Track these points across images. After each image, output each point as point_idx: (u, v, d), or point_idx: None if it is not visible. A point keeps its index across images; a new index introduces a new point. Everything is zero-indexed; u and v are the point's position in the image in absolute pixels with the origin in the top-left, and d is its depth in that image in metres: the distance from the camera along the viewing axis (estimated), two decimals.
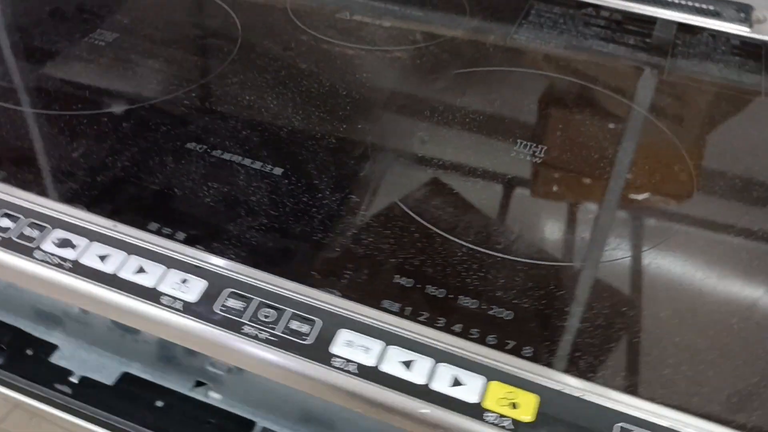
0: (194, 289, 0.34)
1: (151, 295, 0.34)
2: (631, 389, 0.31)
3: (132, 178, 0.41)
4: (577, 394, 0.31)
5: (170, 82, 0.50)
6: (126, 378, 0.40)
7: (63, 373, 0.39)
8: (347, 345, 0.32)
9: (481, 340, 0.33)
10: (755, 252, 0.40)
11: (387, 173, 0.44)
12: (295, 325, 0.33)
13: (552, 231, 0.41)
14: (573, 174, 0.45)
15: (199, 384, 0.39)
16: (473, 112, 0.49)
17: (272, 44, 0.55)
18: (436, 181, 0.43)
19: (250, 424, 0.38)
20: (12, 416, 0.41)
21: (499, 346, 0.33)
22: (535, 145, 0.46)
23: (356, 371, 0.31)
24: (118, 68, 0.51)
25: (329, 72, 0.52)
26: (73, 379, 0.39)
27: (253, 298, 0.34)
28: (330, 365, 0.32)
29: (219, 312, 0.33)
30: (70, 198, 0.39)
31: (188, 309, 0.34)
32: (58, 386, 0.39)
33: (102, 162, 0.42)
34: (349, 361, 0.32)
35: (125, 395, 0.39)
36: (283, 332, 0.33)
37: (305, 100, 0.49)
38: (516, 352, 0.33)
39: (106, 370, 0.40)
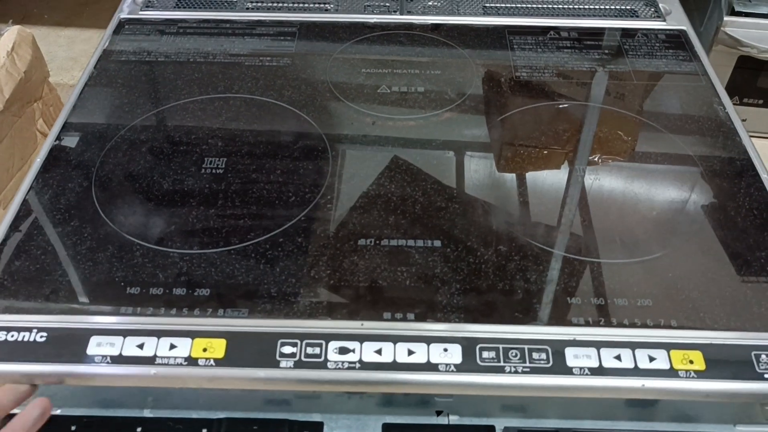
0: (455, 353, 0.48)
1: (429, 367, 0.48)
2: None
3: (342, 283, 0.53)
4: None
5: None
6: (387, 427, 0.53)
7: None
8: (575, 357, 0.48)
9: None
10: None
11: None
12: (535, 355, 0.48)
13: None
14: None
15: (438, 413, 0.54)
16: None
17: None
18: None
19: (491, 427, 0.53)
20: None
21: None
22: None
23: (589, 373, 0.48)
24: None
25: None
26: None
27: (498, 347, 0.49)
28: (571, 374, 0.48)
29: (481, 363, 0.48)
30: (314, 313, 0.51)
31: (460, 368, 0.48)
32: None
33: (314, 277, 0.54)
34: (581, 368, 0.48)
35: None
36: (530, 363, 0.48)
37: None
38: None
39: (369, 428, 0.53)
